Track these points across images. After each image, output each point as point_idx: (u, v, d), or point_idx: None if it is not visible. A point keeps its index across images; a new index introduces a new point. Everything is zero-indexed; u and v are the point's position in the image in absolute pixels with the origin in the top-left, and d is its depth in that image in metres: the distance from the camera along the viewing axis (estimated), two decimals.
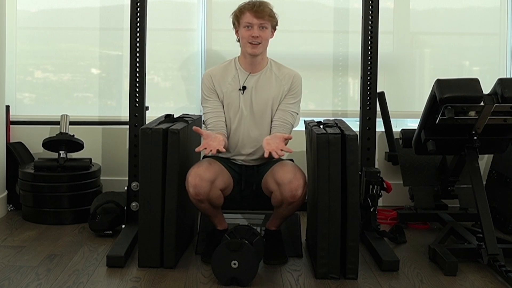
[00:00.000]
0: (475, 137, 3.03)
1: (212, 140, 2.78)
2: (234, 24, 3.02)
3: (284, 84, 3.03)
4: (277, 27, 3.03)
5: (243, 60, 3.04)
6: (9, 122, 3.96)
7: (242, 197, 3.08)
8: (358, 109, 3.47)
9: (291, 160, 3.06)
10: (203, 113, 3.09)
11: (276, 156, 2.69)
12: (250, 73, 3.03)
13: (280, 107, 3.03)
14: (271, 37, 3.02)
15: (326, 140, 2.73)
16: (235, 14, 3.00)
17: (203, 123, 3.08)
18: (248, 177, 3.05)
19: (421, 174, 3.76)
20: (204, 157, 3.10)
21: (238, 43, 3.04)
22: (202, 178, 2.78)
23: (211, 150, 2.70)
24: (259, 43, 2.95)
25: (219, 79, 3.04)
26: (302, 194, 2.80)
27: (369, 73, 3.39)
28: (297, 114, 3.07)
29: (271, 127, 3.03)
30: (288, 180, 2.77)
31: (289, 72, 3.07)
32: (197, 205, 2.89)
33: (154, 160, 2.84)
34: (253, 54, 2.97)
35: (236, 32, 3.03)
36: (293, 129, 3.10)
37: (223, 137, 2.92)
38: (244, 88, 3.02)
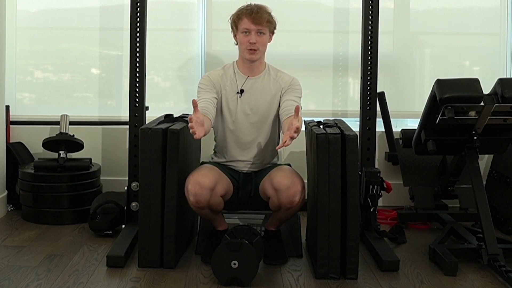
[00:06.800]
0: (475, 137, 3.03)
1: (199, 125, 2.60)
2: (232, 28, 3.00)
3: (282, 85, 3.01)
4: (275, 31, 3.01)
5: (241, 64, 3.03)
6: (9, 122, 3.96)
7: (240, 204, 3.08)
8: (358, 109, 3.47)
9: (289, 164, 3.05)
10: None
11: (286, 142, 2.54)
12: (248, 76, 3.02)
13: (286, 98, 2.95)
14: (269, 41, 3.00)
15: (326, 140, 2.73)
16: (233, 18, 2.97)
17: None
18: (246, 183, 3.03)
19: (421, 174, 3.76)
20: (202, 163, 3.10)
21: (237, 46, 3.01)
22: (202, 186, 2.76)
23: (192, 129, 2.54)
24: (257, 49, 2.93)
25: (218, 80, 3.02)
26: (300, 200, 2.79)
27: (369, 73, 3.39)
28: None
29: (278, 129, 3.00)
30: (286, 186, 2.76)
31: (287, 76, 3.05)
32: (197, 211, 2.88)
33: (154, 160, 2.84)
34: (251, 60, 2.96)
35: (235, 36, 3.01)
36: None
37: (208, 122, 2.78)
38: (242, 91, 3.00)
